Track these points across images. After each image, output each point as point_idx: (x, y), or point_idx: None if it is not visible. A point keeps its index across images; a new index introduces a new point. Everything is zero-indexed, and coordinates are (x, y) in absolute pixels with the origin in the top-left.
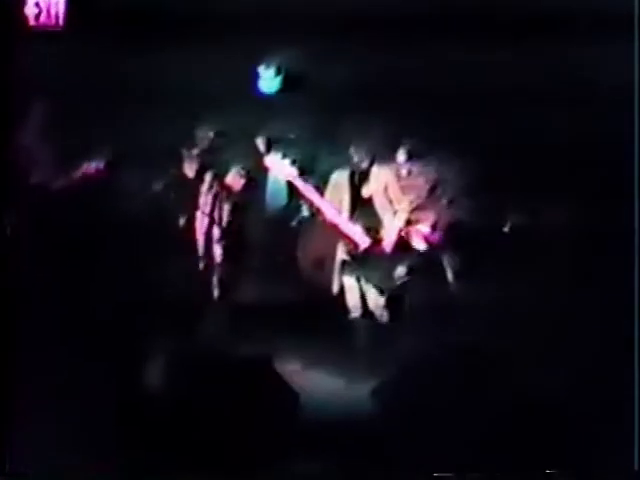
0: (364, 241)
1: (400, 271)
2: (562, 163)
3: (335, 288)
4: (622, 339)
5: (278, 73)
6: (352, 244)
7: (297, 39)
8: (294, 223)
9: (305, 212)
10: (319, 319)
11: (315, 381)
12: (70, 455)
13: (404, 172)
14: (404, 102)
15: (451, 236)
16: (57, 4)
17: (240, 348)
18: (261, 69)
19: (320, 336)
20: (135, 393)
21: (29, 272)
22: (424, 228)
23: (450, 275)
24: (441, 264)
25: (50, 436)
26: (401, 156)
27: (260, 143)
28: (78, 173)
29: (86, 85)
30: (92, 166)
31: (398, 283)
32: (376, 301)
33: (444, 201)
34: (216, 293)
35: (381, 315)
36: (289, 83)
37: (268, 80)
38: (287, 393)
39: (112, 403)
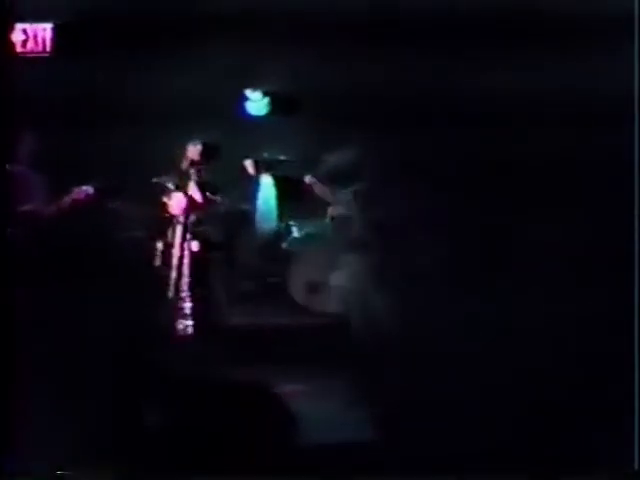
0: None
1: None
2: (558, 169)
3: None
4: (622, 339)
5: (265, 95)
6: None
7: (286, 60)
8: (285, 245)
9: (296, 233)
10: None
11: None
12: (70, 455)
13: None
14: None
15: None
16: (44, 31)
17: (235, 372)
18: (248, 92)
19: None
20: (135, 393)
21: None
22: None
23: None
24: None
25: (50, 436)
26: None
27: (249, 165)
28: (68, 199)
29: (75, 110)
30: (82, 191)
31: None
32: None
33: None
34: (210, 317)
35: None
36: (277, 105)
37: (256, 103)
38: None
39: (112, 403)
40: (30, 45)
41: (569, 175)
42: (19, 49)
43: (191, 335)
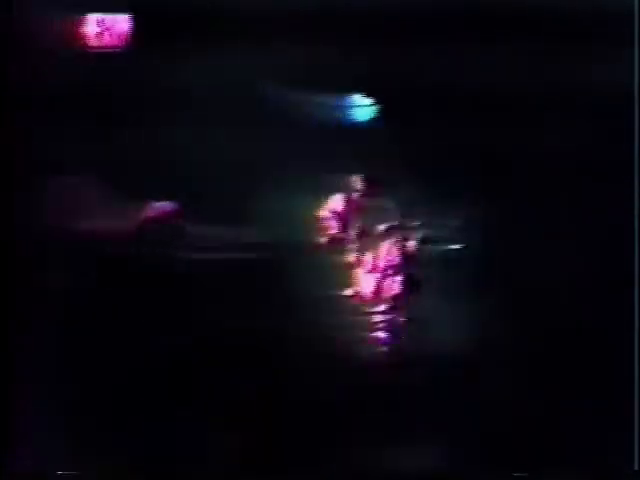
0: None
1: None
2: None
3: None
4: (622, 338)
5: (373, 102)
6: None
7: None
8: None
9: None
10: None
11: None
12: (70, 455)
13: None
14: None
15: None
16: (120, 22)
17: None
18: (355, 97)
19: None
20: (135, 393)
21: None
22: None
23: None
24: None
25: (50, 436)
26: None
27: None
28: (141, 215)
29: (154, 111)
30: (158, 207)
31: None
32: None
33: None
34: None
35: None
36: (386, 111)
37: (362, 108)
38: None
39: (112, 403)
40: (105, 38)
41: (569, 174)
42: (92, 42)
43: None
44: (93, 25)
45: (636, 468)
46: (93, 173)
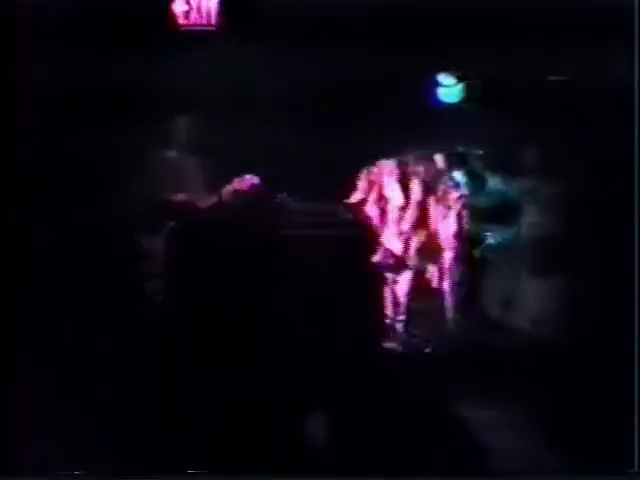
0: None
1: None
2: None
3: None
4: (622, 338)
5: (459, 80)
6: None
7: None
8: (477, 252)
9: (491, 239)
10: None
11: None
12: (70, 455)
13: None
14: None
15: None
16: (210, 1)
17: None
18: (441, 77)
19: None
20: (135, 393)
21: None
22: None
23: None
24: None
25: (51, 437)
26: None
27: (439, 159)
28: (229, 189)
29: (241, 91)
30: (245, 181)
31: None
32: None
33: None
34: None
35: None
36: (473, 92)
37: (449, 88)
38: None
39: (112, 403)
40: (193, 17)
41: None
42: (181, 21)
43: None
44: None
45: (636, 468)
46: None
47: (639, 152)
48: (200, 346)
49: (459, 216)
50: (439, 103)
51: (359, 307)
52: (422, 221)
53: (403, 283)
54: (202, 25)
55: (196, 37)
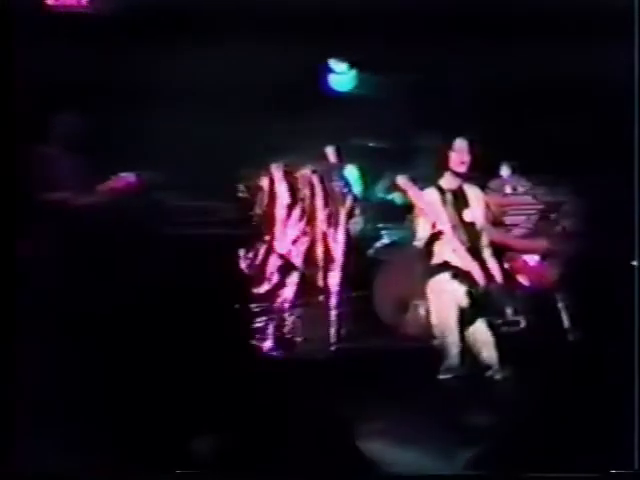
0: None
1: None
2: None
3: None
4: (622, 338)
5: (353, 67)
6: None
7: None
8: (371, 251)
9: (386, 239)
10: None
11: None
12: (70, 455)
13: (509, 189)
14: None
15: (567, 272)
16: None
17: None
18: (333, 63)
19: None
20: (135, 393)
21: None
22: (532, 259)
23: (566, 320)
24: (555, 306)
25: (50, 436)
26: (505, 171)
27: (330, 153)
28: (105, 187)
29: (119, 82)
30: (122, 179)
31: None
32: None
33: (560, 228)
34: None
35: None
36: (367, 80)
37: (342, 76)
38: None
39: (113, 403)
40: None
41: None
42: (50, 2)
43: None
44: None
45: (636, 468)
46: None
47: (639, 153)
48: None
49: (349, 215)
50: (331, 92)
51: (235, 309)
52: (311, 221)
53: (291, 285)
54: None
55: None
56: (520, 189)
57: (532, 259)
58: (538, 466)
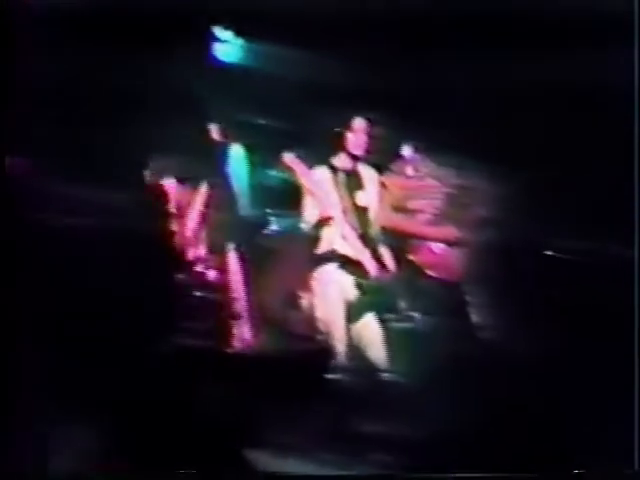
0: (374, 266)
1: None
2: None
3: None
4: (622, 338)
5: (239, 35)
6: (362, 270)
7: None
8: (259, 241)
9: (275, 225)
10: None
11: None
12: (70, 455)
13: (410, 171)
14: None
15: (478, 262)
16: None
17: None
18: (217, 30)
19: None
20: (135, 393)
21: None
22: (438, 248)
23: (475, 314)
24: (463, 299)
25: (50, 436)
26: (407, 151)
27: (214, 130)
28: None
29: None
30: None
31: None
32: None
33: (470, 215)
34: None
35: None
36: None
37: (227, 44)
38: None
39: (113, 403)
40: None
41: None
42: None
43: None
44: None
45: (636, 468)
46: None
47: (639, 154)
48: None
49: (233, 200)
50: (216, 62)
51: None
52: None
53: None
54: None
55: None
56: (424, 171)
57: (438, 248)
58: (538, 466)
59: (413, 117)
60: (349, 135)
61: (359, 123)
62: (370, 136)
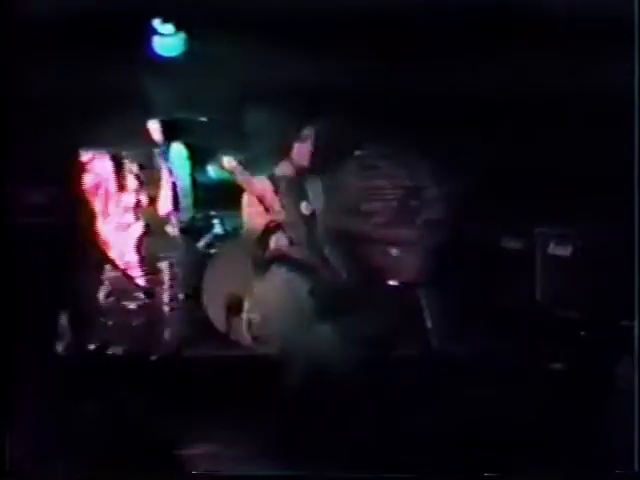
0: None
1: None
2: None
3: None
4: (622, 338)
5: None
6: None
7: None
8: (202, 244)
9: (218, 228)
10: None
11: None
12: (70, 455)
13: (362, 173)
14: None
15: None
16: None
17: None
18: (157, 23)
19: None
20: (135, 393)
21: None
22: (392, 251)
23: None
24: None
25: (50, 436)
26: (359, 153)
27: (154, 128)
28: None
29: None
30: None
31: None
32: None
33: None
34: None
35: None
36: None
37: (167, 38)
38: None
39: (113, 403)
40: None
41: (569, 175)
42: None
43: None
44: None
45: (636, 468)
46: None
47: (639, 154)
48: None
49: (174, 202)
50: (156, 56)
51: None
52: (138, 208)
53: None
54: None
55: None
56: (377, 173)
57: (392, 250)
58: (537, 466)
59: (366, 119)
60: (295, 144)
61: (307, 132)
62: (316, 145)
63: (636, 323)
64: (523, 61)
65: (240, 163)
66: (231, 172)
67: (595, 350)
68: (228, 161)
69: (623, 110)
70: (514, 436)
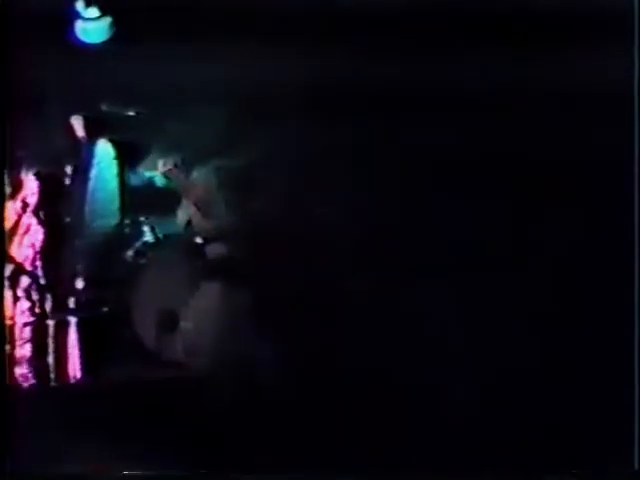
0: None
1: None
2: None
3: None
4: (622, 338)
5: (106, 14)
6: None
7: None
8: (130, 254)
9: (148, 236)
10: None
11: None
12: (70, 455)
13: None
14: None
15: None
16: None
17: None
18: (80, 6)
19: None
20: (135, 392)
21: None
22: None
23: None
24: None
25: (50, 436)
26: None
27: (77, 124)
28: None
29: None
30: None
31: None
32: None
33: None
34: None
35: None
36: (125, 29)
37: (90, 22)
38: None
39: (112, 403)
40: None
41: (568, 176)
42: None
43: None
44: None
45: (636, 468)
46: None
47: (639, 155)
48: None
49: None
50: (78, 43)
51: None
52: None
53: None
54: None
55: None
56: None
57: None
58: (537, 466)
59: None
60: None
61: None
62: None
63: (636, 323)
64: (523, 61)
65: (176, 166)
66: (167, 176)
67: (595, 350)
68: (163, 164)
69: (623, 110)
70: (514, 436)
